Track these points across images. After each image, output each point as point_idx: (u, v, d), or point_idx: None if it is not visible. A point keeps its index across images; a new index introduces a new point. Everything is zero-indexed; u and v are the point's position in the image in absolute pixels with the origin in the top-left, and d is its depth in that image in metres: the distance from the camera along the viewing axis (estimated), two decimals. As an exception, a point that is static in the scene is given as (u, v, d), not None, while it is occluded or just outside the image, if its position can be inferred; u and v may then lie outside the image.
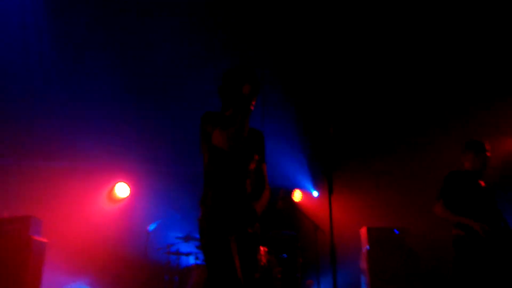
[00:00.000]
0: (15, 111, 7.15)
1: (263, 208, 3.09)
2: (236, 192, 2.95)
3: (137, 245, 7.41)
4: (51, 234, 6.87)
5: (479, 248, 4.24)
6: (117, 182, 8.34)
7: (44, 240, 6.56)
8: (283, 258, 6.45)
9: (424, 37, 6.84)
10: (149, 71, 7.20)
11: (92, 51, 6.77)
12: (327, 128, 3.45)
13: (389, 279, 6.48)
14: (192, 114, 7.00)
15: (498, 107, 7.02)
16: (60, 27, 6.53)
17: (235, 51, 6.75)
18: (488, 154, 4.64)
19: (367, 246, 6.79)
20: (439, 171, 4.91)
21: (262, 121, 6.50)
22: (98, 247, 7.66)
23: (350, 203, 8.00)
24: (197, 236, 6.55)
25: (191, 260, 6.94)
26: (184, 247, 7.05)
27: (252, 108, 2.89)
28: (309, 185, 8.86)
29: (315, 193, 8.88)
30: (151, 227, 7.00)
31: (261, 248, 5.61)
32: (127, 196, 8.34)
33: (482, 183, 4.63)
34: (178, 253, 6.83)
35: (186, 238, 6.74)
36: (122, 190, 8.30)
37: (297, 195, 8.83)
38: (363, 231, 7.07)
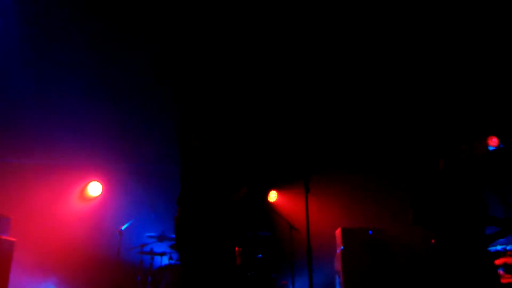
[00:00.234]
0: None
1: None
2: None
3: (110, 244, 7.27)
4: (20, 233, 6.69)
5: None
6: (89, 181, 8.19)
7: (12, 239, 6.38)
8: (258, 259, 6.44)
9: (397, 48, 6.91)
10: (124, 68, 7.07)
11: (66, 46, 6.60)
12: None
13: (363, 280, 6.51)
14: (168, 113, 6.99)
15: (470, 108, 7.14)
16: (33, 21, 6.36)
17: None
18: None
19: (342, 247, 6.82)
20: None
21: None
22: (69, 246, 7.50)
23: (326, 204, 8.02)
24: (172, 235, 6.53)
25: (165, 260, 6.84)
26: (158, 246, 6.96)
27: None
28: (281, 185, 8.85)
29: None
30: (124, 226, 6.88)
31: (236, 249, 5.57)
32: (100, 195, 8.20)
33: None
34: (152, 253, 6.74)
35: (160, 238, 6.65)
36: (94, 188, 8.17)
37: (272, 196, 8.83)
38: (338, 231, 7.10)
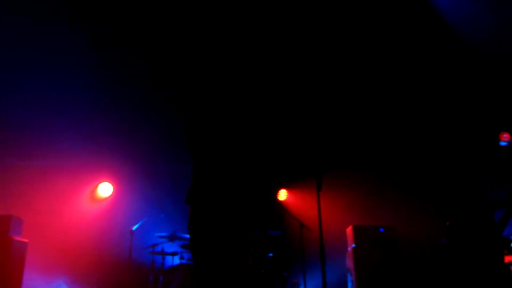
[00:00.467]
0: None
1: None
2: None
3: (121, 245, 7.30)
4: (33, 234, 6.74)
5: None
6: (100, 182, 8.23)
7: (25, 240, 6.42)
8: (269, 258, 6.43)
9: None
10: (133, 67, 7.06)
11: (72, 45, 6.59)
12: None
13: (375, 277, 6.48)
14: (179, 113, 6.98)
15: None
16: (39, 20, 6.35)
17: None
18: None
19: (353, 245, 6.79)
20: (427, 170, 4.95)
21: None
22: (81, 247, 7.54)
23: (336, 202, 7.99)
24: (182, 235, 6.55)
25: (176, 260, 6.85)
26: (169, 246, 6.97)
27: None
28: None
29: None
30: (135, 226, 6.90)
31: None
32: (110, 196, 8.24)
33: None
34: (163, 253, 6.75)
35: (171, 238, 6.65)
36: (105, 189, 8.20)
37: (282, 194, 8.81)
38: (349, 229, 7.07)
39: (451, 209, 4.58)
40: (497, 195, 4.67)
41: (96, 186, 8.23)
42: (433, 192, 4.72)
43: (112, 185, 8.25)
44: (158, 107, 7.58)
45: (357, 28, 6.38)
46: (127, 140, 7.85)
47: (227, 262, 2.71)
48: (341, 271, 7.26)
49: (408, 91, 7.26)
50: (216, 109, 3.05)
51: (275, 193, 8.70)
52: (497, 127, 7.30)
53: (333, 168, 7.55)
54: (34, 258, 6.86)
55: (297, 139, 8.08)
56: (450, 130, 7.22)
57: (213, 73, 3.08)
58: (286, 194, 8.85)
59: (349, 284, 6.88)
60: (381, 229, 6.87)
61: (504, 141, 7.15)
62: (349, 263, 6.92)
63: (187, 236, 6.37)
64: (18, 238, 6.26)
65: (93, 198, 8.25)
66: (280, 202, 8.68)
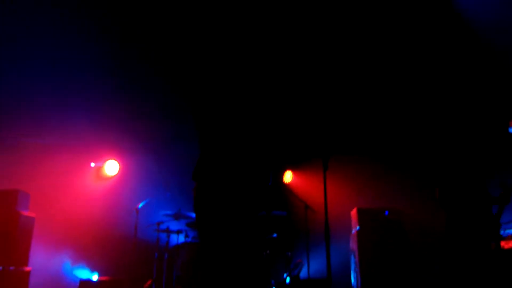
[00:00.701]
0: (2, 87, 6.99)
1: None
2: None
3: (127, 222, 7.35)
4: (39, 210, 6.80)
5: None
6: (107, 160, 8.27)
7: (32, 215, 6.49)
8: (273, 238, 6.46)
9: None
10: (140, 46, 7.02)
11: (80, 21, 6.53)
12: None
13: (378, 260, 6.51)
14: (184, 91, 6.95)
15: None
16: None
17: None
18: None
19: (358, 227, 6.81)
20: (433, 154, 4.97)
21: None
22: (87, 224, 7.62)
23: (341, 184, 8.00)
24: (188, 213, 6.59)
25: (181, 238, 6.91)
26: (174, 225, 7.01)
27: None
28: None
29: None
30: (141, 204, 6.95)
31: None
32: (117, 174, 8.28)
33: None
34: (168, 230, 6.79)
35: (176, 216, 6.69)
36: (111, 167, 8.24)
37: (287, 176, 8.82)
38: (354, 211, 7.09)
39: (452, 197, 4.68)
40: (492, 193, 4.76)
41: (103, 164, 8.27)
42: (438, 178, 4.82)
43: (119, 163, 8.29)
44: (165, 84, 7.56)
45: (362, 17, 6.32)
46: (134, 118, 7.86)
47: (232, 241, 2.72)
48: (344, 252, 7.30)
49: (417, 80, 7.21)
50: (224, 87, 3.04)
51: (281, 174, 8.71)
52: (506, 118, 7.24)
53: (340, 152, 7.54)
54: (40, 233, 6.94)
55: (304, 121, 8.06)
56: (460, 118, 7.18)
57: (221, 53, 3.07)
58: (292, 175, 8.87)
59: (353, 266, 6.93)
60: (386, 212, 6.88)
61: None
62: (353, 244, 6.95)
63: (193, 214, 6.43)
64: (25, 213, 6.32)
65: (100, 176, 8.30)
66: (285, 184, 8.70)
